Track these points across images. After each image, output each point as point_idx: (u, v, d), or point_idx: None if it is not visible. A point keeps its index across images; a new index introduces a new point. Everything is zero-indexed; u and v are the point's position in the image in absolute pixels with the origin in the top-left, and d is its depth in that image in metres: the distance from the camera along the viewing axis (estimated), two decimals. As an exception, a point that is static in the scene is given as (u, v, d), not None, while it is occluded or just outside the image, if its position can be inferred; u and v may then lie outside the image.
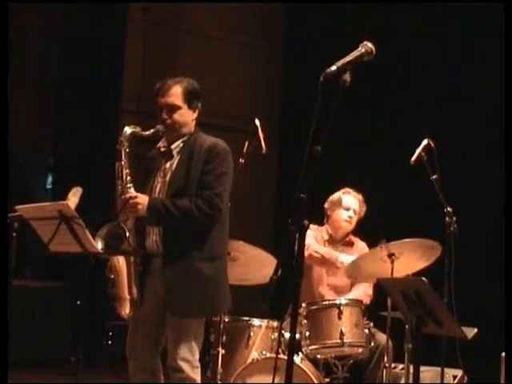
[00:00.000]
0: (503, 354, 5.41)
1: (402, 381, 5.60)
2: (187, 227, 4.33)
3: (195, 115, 4.49)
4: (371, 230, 5.99)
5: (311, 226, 5.57)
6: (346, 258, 5.69)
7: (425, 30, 7.69)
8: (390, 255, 5.33)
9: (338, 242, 5.99)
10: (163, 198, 4.39)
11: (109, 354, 7.84)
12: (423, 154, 5.58)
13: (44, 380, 6.94)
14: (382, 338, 5.55)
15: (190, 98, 4.44)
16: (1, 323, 4.07)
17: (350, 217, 5.93)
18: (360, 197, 5.98)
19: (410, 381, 5.20)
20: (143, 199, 4.33)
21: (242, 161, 5.34)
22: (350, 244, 5.99)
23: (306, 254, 5.54)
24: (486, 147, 7.25)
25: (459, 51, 7.53)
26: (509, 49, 4.83)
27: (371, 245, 5.84)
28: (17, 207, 4.51)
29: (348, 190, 5.99)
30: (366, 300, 5.78)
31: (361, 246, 5.99)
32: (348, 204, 5.93)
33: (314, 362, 5.39)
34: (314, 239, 5.88)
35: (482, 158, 7.28)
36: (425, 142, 5.63)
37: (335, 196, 5.99)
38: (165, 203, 4.33)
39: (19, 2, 7.22)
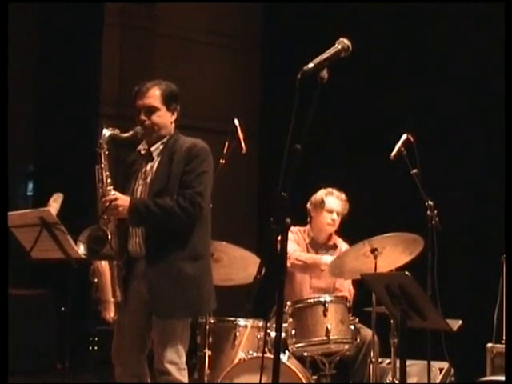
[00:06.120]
0: (488, 345, 5.43)
1: (389, 375, 5.61)
2: (169, 226, 4.32)
3: (174, 117, 4.50)
4: (354, 227, 5.99)
5: (292, 228, 5.55)
6: (329, 258, 5.66)
7: (403, 29, 7.73)
8: (373, 250, 5.34)
9: (321, 245, 5.95)
10: (144, 198, 4.39)
11: (95, 360, 7.81)
12: (403, 148, 5.60)
13: (31, 388, 6.91)
14: (367, 333, 5.56)
15: (168, 99, 4.44)
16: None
17: (333, 220, 5.86)
18: (343, 196, 5.89)
19: (397, 375, 5.22)
20: (124, 200, 4.32)
21: (222, 161, 5.34)
22: (334, 247, 5.95)
23: (289, 263, 5.52)
24: (467, 140, 7.28)
25: (436, 45, 7.56)
26: (509, 48, 4.84)
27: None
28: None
29: (330, 190, 5.89)
30: (349, 297, 5.78)
31: (344, 247, 5.92)
32: (331, 206, 5.85)
33: (300, 359, 5.39)
34: (296, 243, 5.83)
35: (464, 150, 7.30)
36: (404, 136, 5.64)
37: (318, 197, 5.89)
38: (146, 202, 4.33)
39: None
